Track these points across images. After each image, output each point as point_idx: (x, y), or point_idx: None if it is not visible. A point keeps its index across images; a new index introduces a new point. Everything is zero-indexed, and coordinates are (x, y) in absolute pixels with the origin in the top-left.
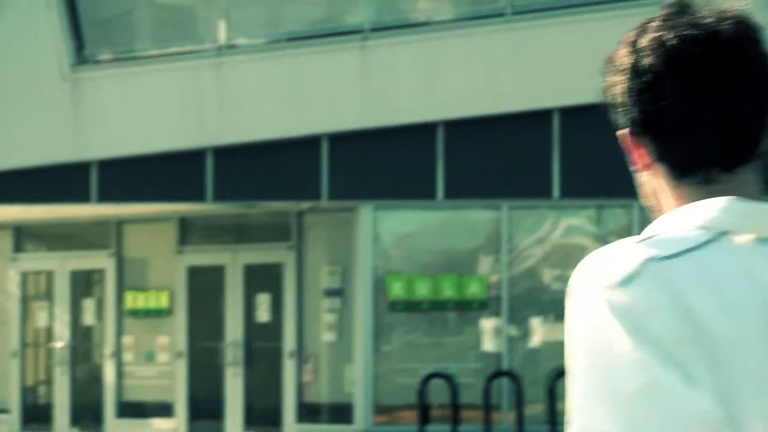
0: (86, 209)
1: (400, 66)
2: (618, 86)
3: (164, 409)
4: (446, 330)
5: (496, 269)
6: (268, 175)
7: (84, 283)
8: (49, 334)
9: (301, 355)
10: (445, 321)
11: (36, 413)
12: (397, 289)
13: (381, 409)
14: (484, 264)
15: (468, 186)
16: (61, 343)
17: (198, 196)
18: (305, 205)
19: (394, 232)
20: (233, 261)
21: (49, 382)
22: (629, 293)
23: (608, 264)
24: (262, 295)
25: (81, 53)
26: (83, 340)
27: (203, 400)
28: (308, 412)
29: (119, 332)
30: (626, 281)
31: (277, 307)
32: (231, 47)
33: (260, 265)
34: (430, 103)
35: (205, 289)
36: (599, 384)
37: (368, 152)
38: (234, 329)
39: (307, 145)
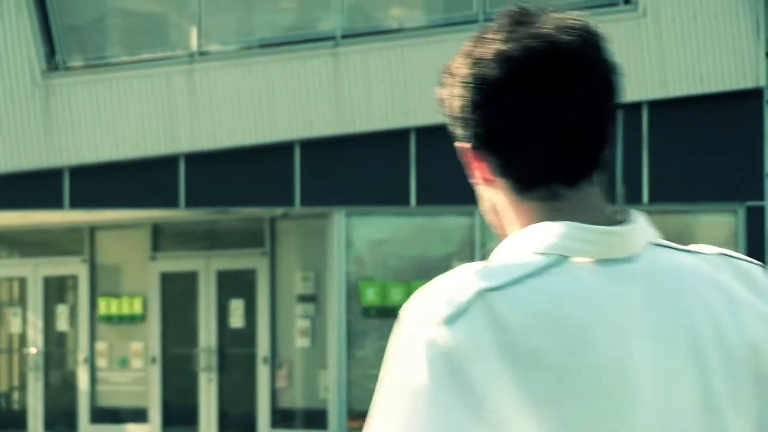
0: (58, 215)
1: (373, 73)
2: (457, 99)
3: (138, 415)
4: None
5: None
6: (240, 181)
7: (57, 290)
8: (23, 340)
9: (274, 360)
10: None
11: (9, 419)
12: (370, 295)
13: (355, 415)
14: None
15: (441, 192)
16: (34, 349)
17: (170, 202)
18: (278, 211)
19: (367, 238)
20: (206, 267)
21: (22, 388)
22: (453, 332)
23: (439, 297)
24: (236, 301)
25: (52, 59)
26: (57, 346)
27: (177, 406)
28: (282, 417)
29: (93, 338)
30: (453, 318)
31: (250, 313)
32: (203, 54)
33: (233, 271)
34: (402, 110)
35: (178, 295)
36: (402, 426)
37: (341, 159)
38: (207, 335)
39: (280, 151)
